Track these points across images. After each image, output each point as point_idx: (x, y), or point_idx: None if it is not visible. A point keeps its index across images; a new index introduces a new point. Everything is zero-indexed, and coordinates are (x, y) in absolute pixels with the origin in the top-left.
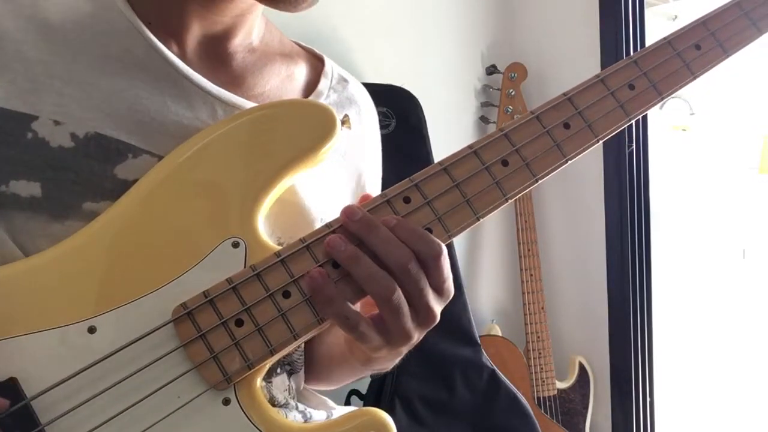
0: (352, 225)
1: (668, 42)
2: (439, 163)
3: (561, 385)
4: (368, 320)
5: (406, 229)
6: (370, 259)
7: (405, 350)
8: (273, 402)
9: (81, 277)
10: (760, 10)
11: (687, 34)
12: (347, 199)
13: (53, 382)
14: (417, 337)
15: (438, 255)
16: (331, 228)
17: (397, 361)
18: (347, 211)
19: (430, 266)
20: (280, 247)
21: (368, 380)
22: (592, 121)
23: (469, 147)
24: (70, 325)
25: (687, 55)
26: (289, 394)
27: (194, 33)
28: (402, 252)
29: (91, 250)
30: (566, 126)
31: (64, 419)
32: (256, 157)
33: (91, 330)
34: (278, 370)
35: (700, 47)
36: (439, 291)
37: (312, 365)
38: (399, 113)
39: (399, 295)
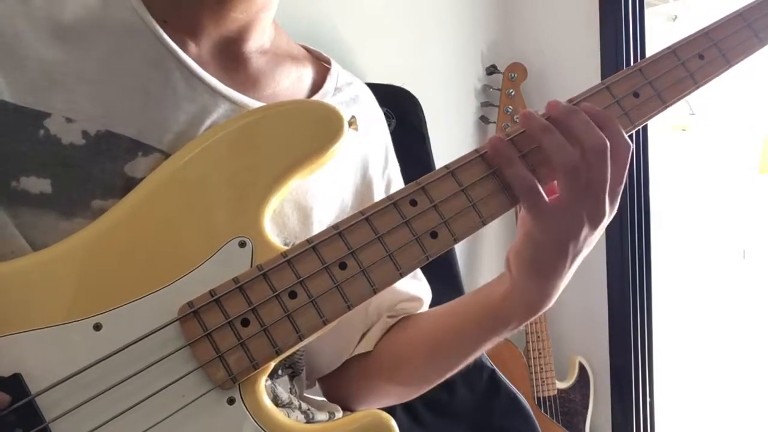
0: (554, 110)
1: (672, 51)
2: (446, 166)
3: (561, 385)
4: (544, 195)
5: (604, 117)
6: (560, 133)
7: (567, 276)
8: (277, 401)
9: (87, 274)
10: (763, 21)
11: (691, 43)
12: (350, 201)
13: (58, 379)
14: (584, 234)
15: (627, 151)
16: (338, 230)
17: (543, 308)
18: (551, 102)
19: (616, 160)
20: (286, 248)
21: None
22: None
23: (476, 151)
24: (75, 322)
25: (691, 64)
26: (293, 394)
27: (210, 33)
28: (600, 137)
29: (98, 247)
30: None
31: (69, 416)
32: (263, 157)
33: (97, 327)
34: (279, 372)
35: (703, 57)
36: (613, 194)
37: (426, 343)
38: (399, 113)
39: (584, 173)
